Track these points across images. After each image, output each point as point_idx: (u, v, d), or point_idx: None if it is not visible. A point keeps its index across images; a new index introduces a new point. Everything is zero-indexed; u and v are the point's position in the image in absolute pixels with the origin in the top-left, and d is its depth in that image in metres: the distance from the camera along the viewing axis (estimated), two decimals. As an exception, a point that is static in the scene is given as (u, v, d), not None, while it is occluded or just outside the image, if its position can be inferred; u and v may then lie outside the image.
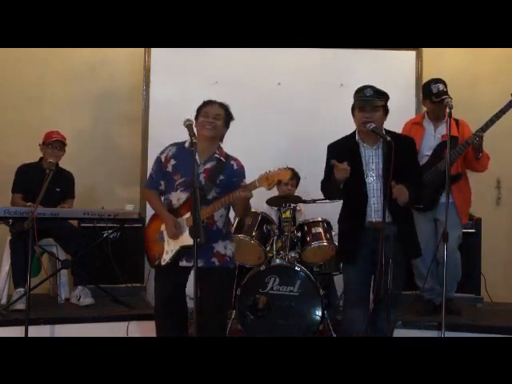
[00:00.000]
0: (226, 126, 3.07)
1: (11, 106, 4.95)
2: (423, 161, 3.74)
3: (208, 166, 3.01)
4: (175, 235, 2.95)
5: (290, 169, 2.78)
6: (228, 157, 3.09)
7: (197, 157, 2.99)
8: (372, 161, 3.07)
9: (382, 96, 3.04)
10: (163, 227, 3.03)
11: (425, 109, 3.98)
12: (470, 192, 3.90)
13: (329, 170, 3.12)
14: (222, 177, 2.99)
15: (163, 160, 3.07)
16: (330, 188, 3.17)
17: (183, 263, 2.98)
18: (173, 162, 3.04)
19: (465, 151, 3.65)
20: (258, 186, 2.82)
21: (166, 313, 3.07)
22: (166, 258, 2.98)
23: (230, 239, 3.12)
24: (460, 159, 3.71)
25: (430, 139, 3.79)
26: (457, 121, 3.80)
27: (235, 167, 3.07)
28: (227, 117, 3.06)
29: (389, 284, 2.82)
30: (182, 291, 3.12)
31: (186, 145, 3.05)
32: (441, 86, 3.71)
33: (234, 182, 2.97)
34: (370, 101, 3.00)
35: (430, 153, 3.75)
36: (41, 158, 4.22)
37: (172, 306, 3.06)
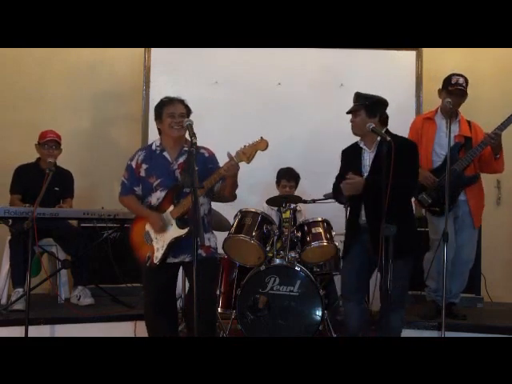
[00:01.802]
0: None
1: (11, 106, 4.95)
2: (437, 160, 3.72)
3: (180, 160, 3.06)
4: (162, 228, 2.98)
5: (265, 140, 2.82)
6: (198, 147, 3.09)
7: (168, 156, 3.08)
8: (369, 163, 3.13)
9: (362, 99, 3.10)
10: (147, 227, 3.06)
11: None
12: (483, 195, 3.84)
13: (340, 174, 3.24)
14: (195, 168, 3.00)
15: (134, 166, 3.11)
16: (338, 195, 3.31)
17: (170, 259, 3.01)
18: (144, 166, 3.09)
19: (481, 152, 3.59)
20: (237, 162, 2.84)
21: (156, 313, 3.09)
22: (158, 255, 2.99)
23: (212, 232, 3.17)
24: (474, 162, 3.66)
25: (442, 136, 3.72)
26: (469, 122, 3.78)
27: (206, 155, 3.11)
28: (188, 112, 3.09)
29: (388, 284, 2.81)
30: (172, 290, 3.16)
31: (153, 147, 3.13)
32: (461, 80, 3.69)
33: (210, 169, 2.98)
34: (353, 106, 3.12)
35: (442, 151, 3.68)
36: (38, 158, 4.22)
37: (162, 306, 3.09)
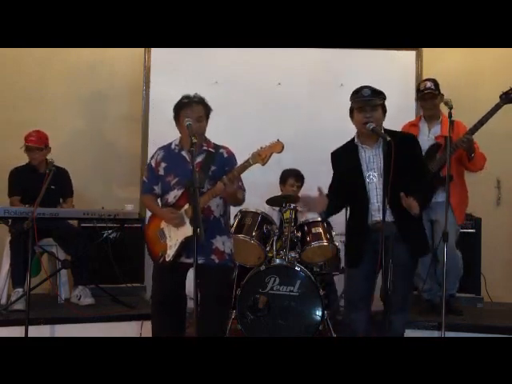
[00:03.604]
0: (208, 119, 3.07)
1: (11, 106, 4.95)
2: None
3: (199, 159, 3.03)
4: (179, 223, 2.95)
5: (281, 142, 2.82)
6: (217, 146, 3.11)
7: (186, 155, 3.06)
8: (373, 160, 3.06)
9: (380, 95, 3.03)
10: (162, 225, 3.05)
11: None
12: (466, 192, 3.88)
13: (335, 178, 3.19)
14: (213, 167, 3.02)
15: (154, 165, 3.12)
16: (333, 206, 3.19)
17: (182, 259, 2.99)
18: (163, 164, 3.09)
19: (454, 153, 3.63)
20: (252, 164, 2.83)
21: (163, 312, 3.07)
22: (171, 253, 2.98)
23: (228, 235, 3.12)
24: (453, 160, 3.68)
25: (423, 140, 3.75)
26: (452, 122, 3.80)
27: (225, 155, 3.09)
28: (208, 112, 3.06)
29: (389, 285, 2.80)
30: (181, 289, 3.13)
31: (173, 146, 3.12)
32: (428, 84, 3.79)
33: (226, 171, 2.95)
34: (368, 101, 3.00)
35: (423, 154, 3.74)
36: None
37: (170, 305, 3.07)
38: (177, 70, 4.88)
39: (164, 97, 4.85)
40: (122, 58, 5.05)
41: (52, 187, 3.91)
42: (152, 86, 4.89)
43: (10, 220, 3.76)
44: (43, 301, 4.14)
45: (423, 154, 3.69)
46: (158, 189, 3.12)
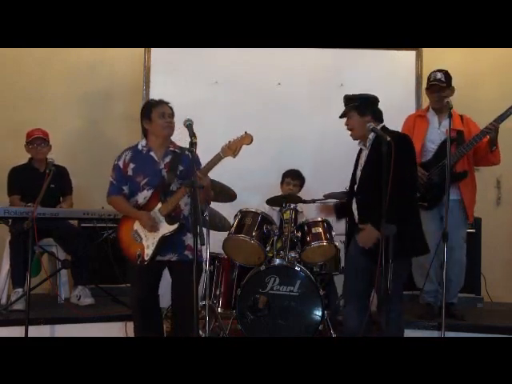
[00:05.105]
0: None
1: (11, 106, 4.95)
2: (428, 156, 3.72)
3: (167, 160, 3.12)
4: (154, 227, 3.01)
5: (250, 135, 2.93)
6: (182, 148, 3.17)
7: (154, 156, 3.14)
8: (362, 161, 3.12)
9: (351, 101, 3.10)
10: (136, 226, 3.09)
11: (426, 104, 3.97)
12: (475, 190, 3.83)
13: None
14: (181, 167, 3.09)
15: (122, 166, 3.16)
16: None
17: (158, 257, 3.04)
18: (132, 165, 3.14)
19: (476, 144, 3.57)
20: (222, 157, 2.91)
21: (143, 311, 3.12)
22: (149, 252, 3.03)
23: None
24: (468, 155, 3.65)
25: (434, 132, 3.74)
26: (461, 116, 3.78)
27: (191, 157, 3.11)
28: (172, 114, 3.16)
29: (388, 284, 2.80)
30: (157, 289, 3.19)
31: (140, 147, 3.18)
32: (438, 75, 3.71)
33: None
34: (344, 110, 3.13)
35: (434, 147, 3.70)
36: (30, 158, 4.22)
37: (151, 306, 3.14)
38: (177, 70, 4.89)
39: (164, 97, 4.80)
40: (122, 58, 5.04)
41: (51, 186, 3.91)
42: (152, 85, 4.89)
43: (10, 220, 3.76)
44: (43, 301, 4.14)
45: (436, 147, 3.69)
46: (126, 189, 3.17)
